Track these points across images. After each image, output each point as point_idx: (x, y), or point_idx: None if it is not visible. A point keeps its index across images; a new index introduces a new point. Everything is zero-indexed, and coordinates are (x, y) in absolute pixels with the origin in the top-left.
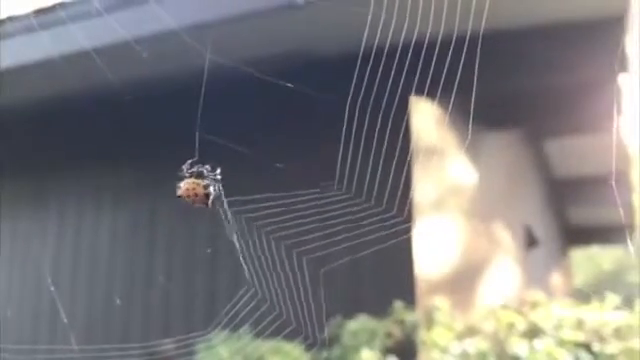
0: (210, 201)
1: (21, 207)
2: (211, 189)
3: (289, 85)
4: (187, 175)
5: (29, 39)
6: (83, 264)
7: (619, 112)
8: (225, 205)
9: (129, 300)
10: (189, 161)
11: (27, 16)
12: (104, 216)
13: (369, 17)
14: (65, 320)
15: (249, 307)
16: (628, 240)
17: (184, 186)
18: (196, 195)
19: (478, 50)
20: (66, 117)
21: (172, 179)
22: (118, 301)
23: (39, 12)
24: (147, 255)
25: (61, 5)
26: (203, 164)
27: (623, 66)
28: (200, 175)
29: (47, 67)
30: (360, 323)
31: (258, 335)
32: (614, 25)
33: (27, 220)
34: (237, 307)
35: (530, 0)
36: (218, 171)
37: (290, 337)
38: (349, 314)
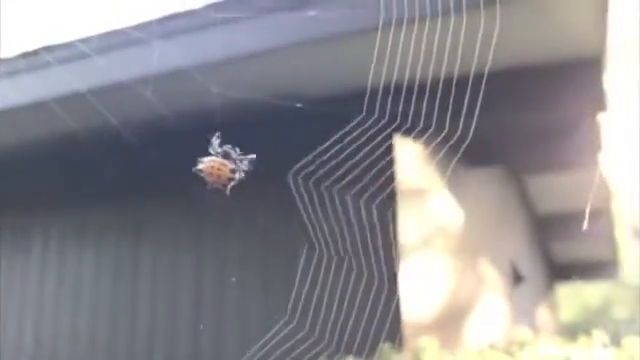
0: (229, 187)
1: (3, 244)
2: (236, 175)
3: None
4: (214, 153)
5: (14, 81)
6: (66, 301)
7: (599, 148)
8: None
9: (113, 337)
10: (217, 134)
11: (14, 59)
12: (87, 253)
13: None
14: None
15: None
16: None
17: (209, 163)
18: (219, 177)
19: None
20: (50, 157)
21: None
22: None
23: (26, 55)
24: (130, 293)
25: (48, 48)
26: (232, 146)
27: (602, 104)
28: (228, 156)
29: (32, 109)
30: None
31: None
32: (593, 64)
33: (9, 256)
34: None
35: (512, 40)
36: (249, 157)
37: None
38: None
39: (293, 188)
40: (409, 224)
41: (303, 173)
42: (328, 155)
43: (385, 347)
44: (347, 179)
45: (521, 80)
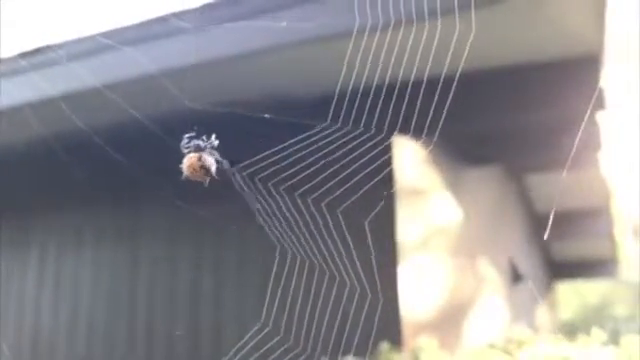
0: (214, 172)
1: (3, 246)
2: (209, 160)
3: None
4: (186, 152)
5: (18, 81)
6: (64, 303)
7: (598, 147)
8: (234, 171)
9: (111, 338)
10: (186, 136)
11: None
12: (85, 257)
13: (347, 57)
14: None
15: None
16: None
17: (186, 163)
18: (195, 170)
19: (453, 88)
20: (49, 160)
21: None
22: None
23: (24, 55)
24: (128, 294)
25: (48, 47)
26: (199, 136)
27: (601, 102)
28: (198, 148)
29: (30, 110)
30: None
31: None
32: (592, 62)
33: (8, 258)
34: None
35: (509, 39)
36: (213, 137)
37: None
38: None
39: (278, 198)
40: (408, 224)
41: (286, 184)
42: (315, 166)
43: (385, 347)
44: (340, 190)
45: (519, 79)
